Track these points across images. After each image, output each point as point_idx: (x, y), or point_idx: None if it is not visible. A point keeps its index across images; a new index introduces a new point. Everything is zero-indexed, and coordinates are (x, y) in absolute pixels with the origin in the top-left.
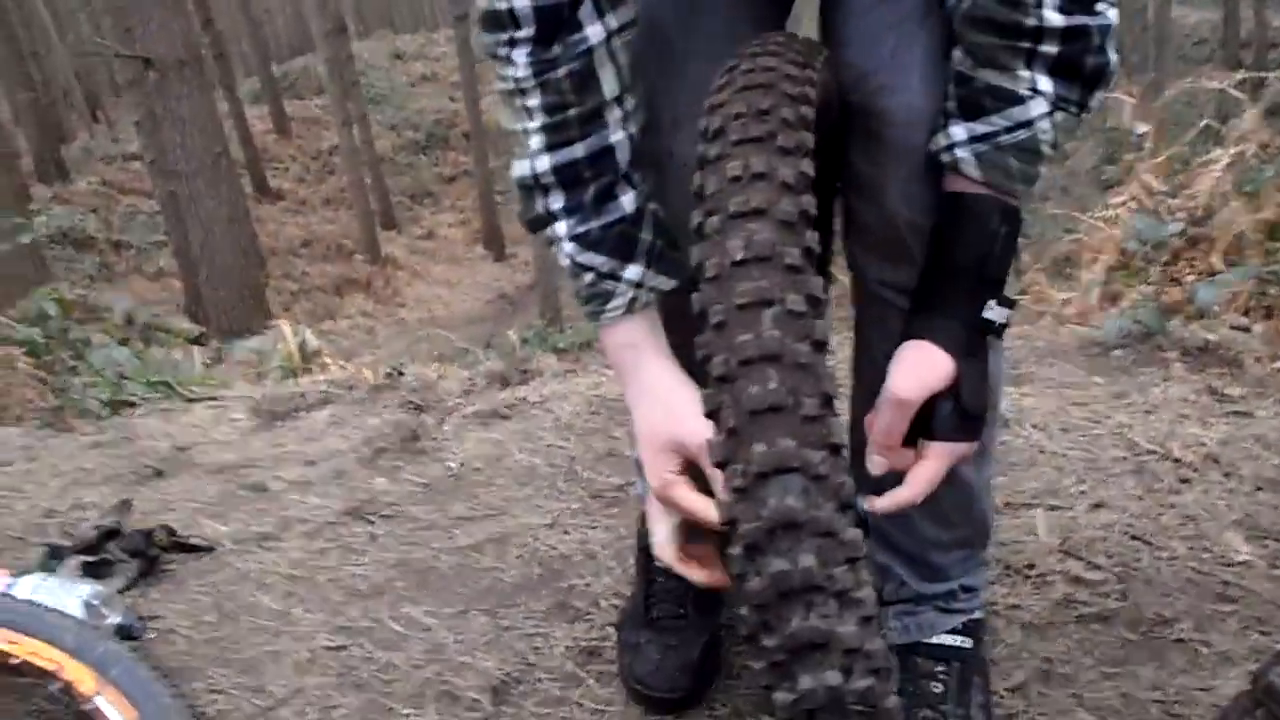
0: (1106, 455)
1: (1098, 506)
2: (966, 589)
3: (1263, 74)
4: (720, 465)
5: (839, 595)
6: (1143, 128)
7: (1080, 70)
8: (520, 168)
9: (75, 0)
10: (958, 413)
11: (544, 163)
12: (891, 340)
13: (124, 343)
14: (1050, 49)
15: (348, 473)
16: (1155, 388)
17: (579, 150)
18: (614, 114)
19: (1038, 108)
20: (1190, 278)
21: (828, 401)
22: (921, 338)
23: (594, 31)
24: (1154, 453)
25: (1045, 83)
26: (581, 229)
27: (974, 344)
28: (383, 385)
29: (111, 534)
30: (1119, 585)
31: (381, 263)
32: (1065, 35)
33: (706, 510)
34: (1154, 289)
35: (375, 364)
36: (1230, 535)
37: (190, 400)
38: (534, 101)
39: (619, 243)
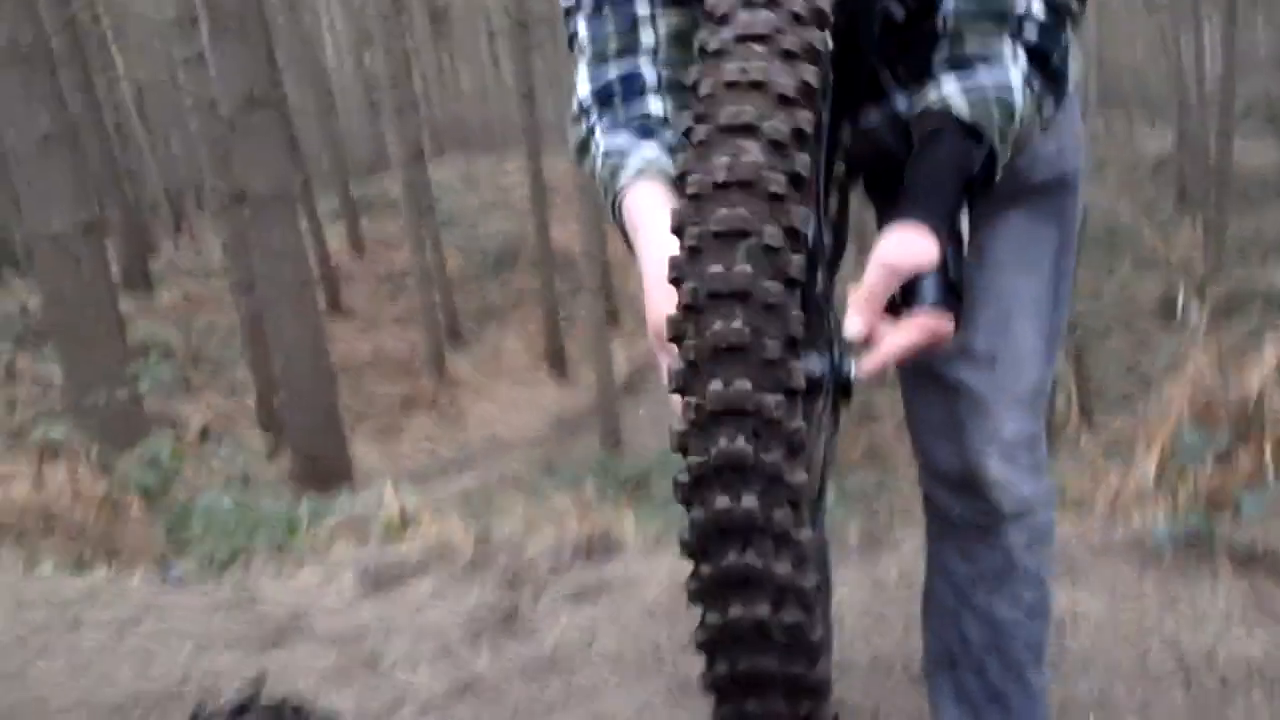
0: (1156, 664)
1: (1147, 717)
2: None
3: None
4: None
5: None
6: (1196, 313)
7: (1048, 62)
8: (572, 105)
9: (168, 118)
10: (943, 284)
11: (585, 90)
12: (973, 563)
13: (226, 487)
14: (1030, 36)
15: (452, 650)
16: (1204, 594)
17: (612, 72)
18: (646, 56)
19: (1016, 76)
20: (1242, 471)
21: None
22: (908, 224)
23: (641, 5)
24: (1200, 665)
25: (1022, 60)
26: (609, 120)
27: (955, 241)
28: (478, 558)
29: (248, 704)
30: None
31: (447, 381)
32: (1042, 28)
33: None
34: (1203, 490)
35: (467, 526)
36: None
37: (298, 560)
38: (585, 53)
39: (641, 128)
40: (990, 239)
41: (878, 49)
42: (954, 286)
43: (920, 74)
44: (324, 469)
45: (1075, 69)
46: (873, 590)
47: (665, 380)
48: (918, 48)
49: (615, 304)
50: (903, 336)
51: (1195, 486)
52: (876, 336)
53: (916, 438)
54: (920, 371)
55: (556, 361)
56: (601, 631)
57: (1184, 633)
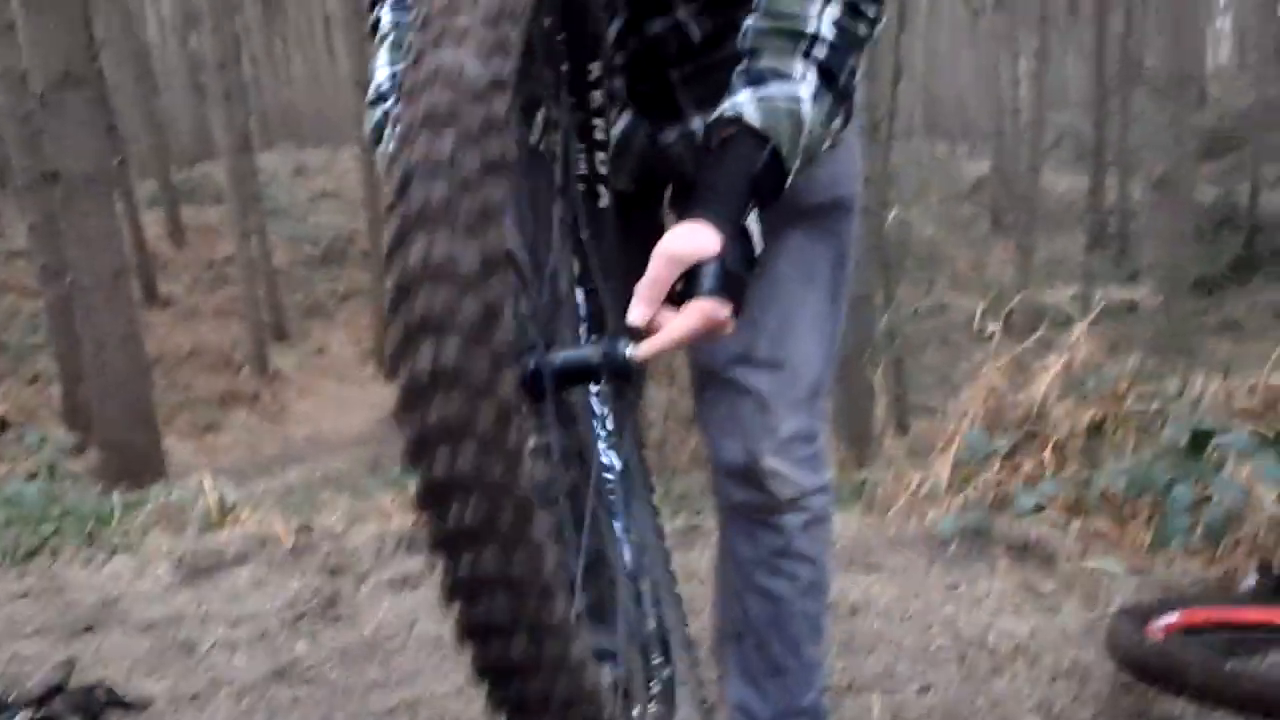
0: (935, 644)
1: (924, 690)
2: None
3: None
4: None
5: None
6: (992, 327)
7: (836, 80)
8: (370, 91)
9: None
10: (721, 273)
11: (383, 75)
12: (755, 545)
13: (31, 477)
14: (820, 55)
15: (270, 635)
16: (982, 581)
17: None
18: None
19: (806, 90)
20: (1025, 469)
21: None
22: (695, 220)
23: None
24: (974, 643)
25: (812, 76)
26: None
27: (738, 237)
28: (300, 547)
29: (57, 690)
30: None
31: (270, 377)
32: (832, 49)
33: None
34: (986, 489)
35: (288, 518)
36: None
37: (110, 550)
38: (386, 40)
39: None
40: (773, 255)
41: (676, 70)
42: (733, 277)
43: (717, 97)
44: (135, 464)
45: (859, 95)
46: (685, 576)
47: None
48: (715, 72)
49: None
50: (681, 322)
51: (980, 485)
52: (658, 324)
53: (706, 434)
54: (710, 375)
55: (385, 359)
56: (422, 616)
57: (961, 615)
